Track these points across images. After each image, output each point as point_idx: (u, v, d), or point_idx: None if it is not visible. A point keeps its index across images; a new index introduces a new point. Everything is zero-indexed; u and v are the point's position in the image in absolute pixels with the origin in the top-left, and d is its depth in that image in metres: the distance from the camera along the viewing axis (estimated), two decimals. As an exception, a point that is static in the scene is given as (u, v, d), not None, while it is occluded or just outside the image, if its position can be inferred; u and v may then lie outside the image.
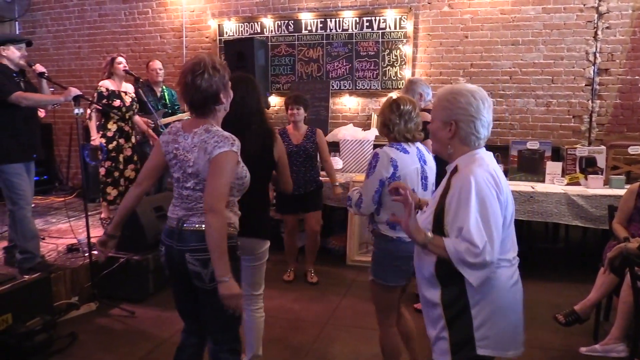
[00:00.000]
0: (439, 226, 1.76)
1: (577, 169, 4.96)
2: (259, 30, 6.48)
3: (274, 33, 6.43)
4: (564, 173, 4.99)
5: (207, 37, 6.77)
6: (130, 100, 5.21)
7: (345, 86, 6.23)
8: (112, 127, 5.11)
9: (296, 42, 6.35)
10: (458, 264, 1.66)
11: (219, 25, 6.66)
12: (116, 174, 5.16)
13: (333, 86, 6.24)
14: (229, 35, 6.61)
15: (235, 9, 6.60)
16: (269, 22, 6.42)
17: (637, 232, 3.40)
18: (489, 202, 1.67)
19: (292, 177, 4.42)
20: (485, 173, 1.72)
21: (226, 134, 2.11)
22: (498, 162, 5.28)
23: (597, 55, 5.49)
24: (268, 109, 6.37)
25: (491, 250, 1.64)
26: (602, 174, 4.81)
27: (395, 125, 2.57)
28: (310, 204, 4.54)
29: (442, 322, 1.81)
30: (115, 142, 5.11)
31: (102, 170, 5.14)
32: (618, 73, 5.49)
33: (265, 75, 6.28)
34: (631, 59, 5.44)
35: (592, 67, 5.52)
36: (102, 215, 5.34)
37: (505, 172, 5.23)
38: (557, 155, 5.25)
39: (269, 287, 3.04)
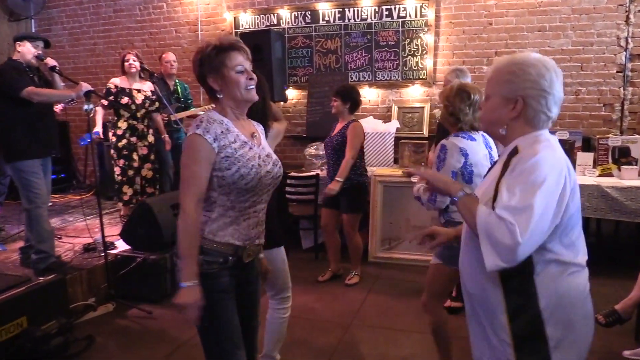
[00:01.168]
0: None
1: (610, 160, 4.74)
2: (275, 22, 6.33)
3: (290, 24, 6.27)
4: (595, 164, 4.77)
5: (223, 30, 6.63)
6: (142, 98, 5.10)
7: (365, 77, 6.05)
8: (122, 125, 5.03)
9: (313, 33, 6.18)
10: (483, 236, 1.40)
11: (234, 17, 6.52)
12: (130, 172, 5.07)
13: (352, 78, 6.06)
14: (245, 28, 6.47)
15: (251, 0, 6.45)
16: (285, 14, 6.27)
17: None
18: (550, 191, 1.40)
19: (327, 169, 4.44)
20: (555, 158, 1.45)
21: (205, 116, 1.87)
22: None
23: (630, 40, 5.22)
24: (285, 102, 6.24)
25: (528, 241, 1.36)
26: (636, 165, 4.59)
27: (465, 115, 2.52)
28: (343, 204, 4.35)
29: (506, 336, 1.53)
30: (125, 140, 5.02)
31: (117, 170, 5.07)
32: (652, 58, 5.23)
33: (282, 68, 6.13)
34: (665, 43, 5.18)
35: (624, 52, 5.25)
36: (122, 213, 5.26)
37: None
38: (587, 146, 5.02)
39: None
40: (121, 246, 4.33)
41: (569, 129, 5.13)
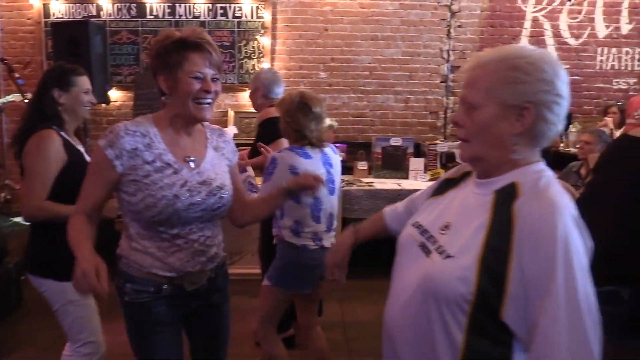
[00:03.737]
0: (491, 281, 1.01)
1: (438, 165, 5.01)
2: (94, 13, 5.60)
3: (113, 17, 5.60)
4: (426, 169, 5.01)
5: (29, 19, 5.71)
6: None
7: (199, 79, 5.65)
8: None
9: (140, 28, 5.61)
10: None
11: (44, 4, 5.64)
12: None
13: (185, 79, 5.61)
14: (57, 18, 5.63)
15: (64, -14, 5.66)
16: (106, 4, 5.58)
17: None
18: (584, 282, 0.98)
19: None
20: (571, 215, 1.02)
21: (123, 125, 1.57)
22: (362, 159, 5.06)
23: (451, 52, 5.61)
24: (108, 104, 5.56)
25: None
26: (461, 169, 4.88)
27: (311, 132, 2.30)
28: None
29: None
30: None
31: None
32: (469, 71, 5.66)
33: (103, 66, 5.43)
34: (480, 57, 5.64)
35: (446, 64, 5.63)
36: None
37: (370, 170, 5.14)
38: (418, 152, 5.25)
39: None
40: None
41: (401, 136, 5.33)
